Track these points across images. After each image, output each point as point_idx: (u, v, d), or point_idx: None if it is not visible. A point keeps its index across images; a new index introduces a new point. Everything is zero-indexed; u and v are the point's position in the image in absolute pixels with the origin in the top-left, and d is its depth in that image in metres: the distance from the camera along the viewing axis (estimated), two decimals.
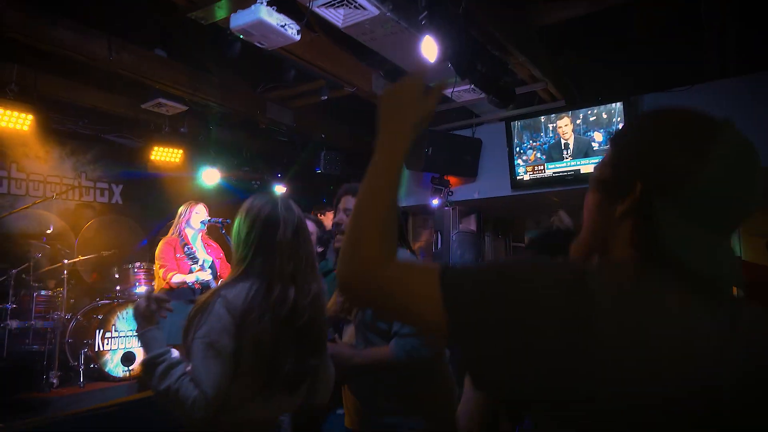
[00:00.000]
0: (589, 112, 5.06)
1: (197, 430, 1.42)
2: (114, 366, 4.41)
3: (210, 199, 5.62)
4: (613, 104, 4.92)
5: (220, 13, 3.43)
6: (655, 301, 0.67)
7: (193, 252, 3.96)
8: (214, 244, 4.26)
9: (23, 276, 4.26)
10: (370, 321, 1.80)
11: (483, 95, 4.55)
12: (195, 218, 4.06)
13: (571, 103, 5.24)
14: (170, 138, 5.76)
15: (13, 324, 4.16)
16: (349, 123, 6.53)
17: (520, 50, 4.12)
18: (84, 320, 4.48)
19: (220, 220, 3.93)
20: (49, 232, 4.68)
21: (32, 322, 4.21)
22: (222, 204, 5.51)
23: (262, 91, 5.48)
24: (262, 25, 3.02)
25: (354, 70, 4.79)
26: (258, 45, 3.33)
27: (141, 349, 1.63)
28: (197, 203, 4.14)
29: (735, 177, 0.69)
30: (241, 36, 3.23)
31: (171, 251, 3.93)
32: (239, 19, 3.05)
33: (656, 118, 0.76)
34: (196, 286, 3.87)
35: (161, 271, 3.86)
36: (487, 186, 5.78)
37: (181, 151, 5.76)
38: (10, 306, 4.11)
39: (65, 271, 4.33)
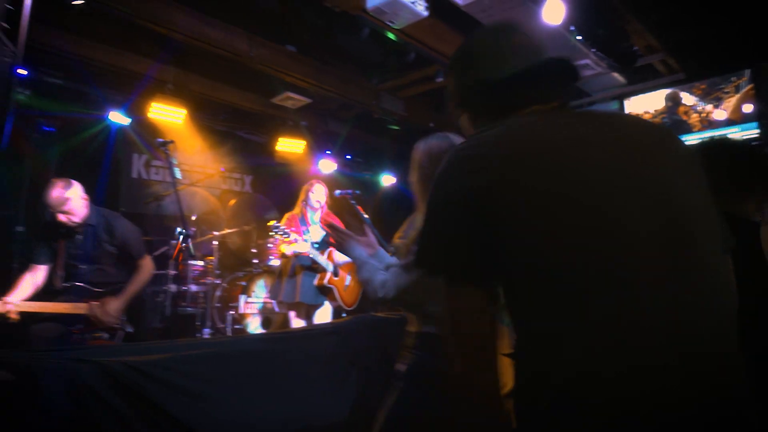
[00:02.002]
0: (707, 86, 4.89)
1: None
2: (254, 328, 4.91)
3: (329, 185, 6.11)
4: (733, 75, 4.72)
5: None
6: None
7: (288, 232, 4.16)
8: (335, 218, 4.61)
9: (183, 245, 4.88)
10: None
11: (598, 69, 4.58)
12: (312, 197, 4.37)
13: (691, 74, 5.09)
14: (293, 131, 6.32)
15: (173, 288, 4.78)
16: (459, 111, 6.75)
17: (637, 17, 4.13)
18: (229, 287, 5.04)
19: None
20: (196, 216, 5.34)
21: (189, 287, 4.82)
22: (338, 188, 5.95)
23: (377, 82, 5.87)
24: (395, 2, 3.33)
25: None
26: (388, 24, 3.66)
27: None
28: (316, 182, 4.47)
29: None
30: (375, 15, 3.56)
31: (288, 225, 4.31)
32: None
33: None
34: (305, 255, 4.16)
35: (277, 246, 4.27)
36: None
37: (304, 143, 6.29)
38: (173, 272, 4.74)
39: (214, 242, 4.91)
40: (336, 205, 4.83)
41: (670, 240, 0.81)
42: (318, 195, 4.37)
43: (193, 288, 4.86)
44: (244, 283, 4.98)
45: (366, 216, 3.99)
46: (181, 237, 2.96)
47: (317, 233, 4.33)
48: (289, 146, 6.23)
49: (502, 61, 1.02)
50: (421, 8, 3.47)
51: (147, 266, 3.48)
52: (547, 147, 0.85)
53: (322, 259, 4.11)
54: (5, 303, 2.94)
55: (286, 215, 4.39)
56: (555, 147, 0.85)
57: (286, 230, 3.98)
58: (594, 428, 0.74)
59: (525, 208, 0.82)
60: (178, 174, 3.79)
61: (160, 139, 3.04)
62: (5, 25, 1.84)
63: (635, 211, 0.81)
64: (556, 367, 0.78)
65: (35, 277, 3.28)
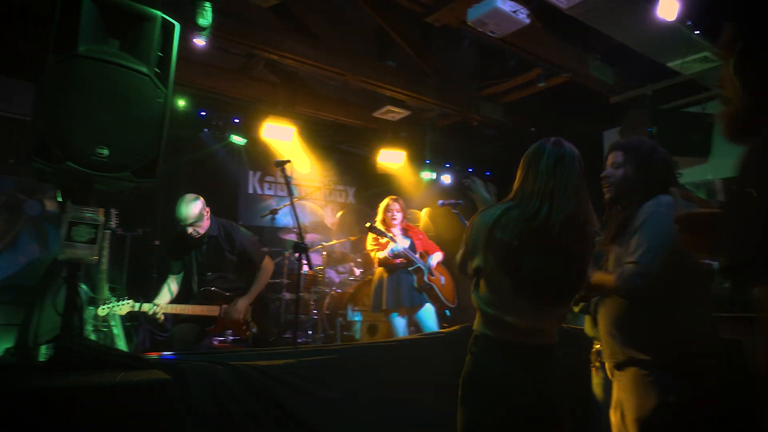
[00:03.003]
0: None
1: None
2: (361, 335, 5.10)
3: (429, 194, 6.22)
4: None
5: (453, 14, 3.88)
6: None
7: (384, 232, 4.34)
8: (414, 228, 4.74)
9: (295, 255, 5.21)
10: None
11: (715, 64, 4.26)
12: (390, 214, 4.48)
13: None
14: (394, 142, 6.49)
15: (287, 296, 5.10)
16: (557, 116, 6.56)
17: None
18: (337, 295, 5.28)
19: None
20: (306, 224, 5.66)
21: (301, 294, 5.12)
22: (437, 197, 6.02)
23: (475, 90, 5.87)
24: (497, 13, 3.36)
25: (570, 55, 4.88)
26: (490, 34, 3.67)
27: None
28: (391, 199, 4.60)
29: None
30: (476, 27, 3.60)
31: (375, 237, 4.49)
32: (476, 12, 3.42)
33: None
34: (400, 261, 4.31)
35: (372, 254, 4.45)
36: (723, 165, 5.27)
37: (404, 153, 6.43)
38: (286, 281, 5.07)
39: (324, 253, 5.18)
40: (437, 215, 4.91)
41: None
42: (395, 211, 4.52)
43: (303, 296, 5.16)
44: (351, 291, 5.19)
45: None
46: (298, 249, 3.18)
47: (401, 241, 4.49)
48: (390, 157, 6.40)
49: None
50: (522, 16, 3.45)
51: (268, 267, 3.86)
52: None
53: (417, 257, 4.24)
54: (155, 306, 3.40)
55: (370, 234, 4.56)
56: None
57: (382, 230, 4.19)
58: None
59: None
60: (294, 191, 4.08)
61: (278, 160, 3.30)
62: (157, 69, 2.12)
63: None
64: None
65: (172, 284, 3.71)
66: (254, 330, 3.72)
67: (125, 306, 3.39)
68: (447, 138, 6.94)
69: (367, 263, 5.47)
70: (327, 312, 5.17)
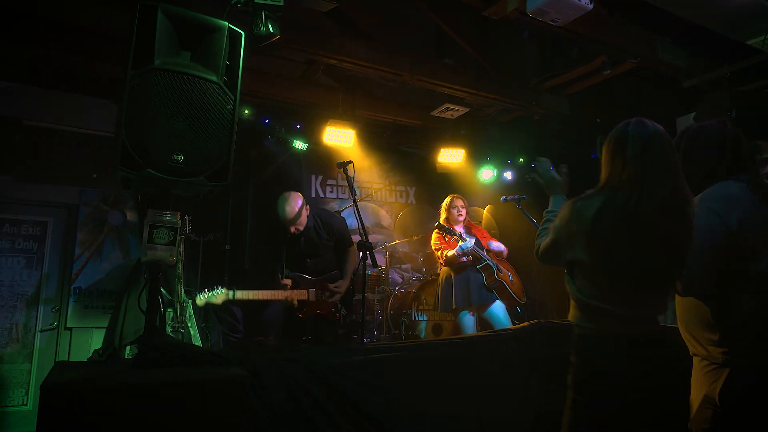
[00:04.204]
0: None
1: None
2: (426, 335, 5.08)
3: (491, 191, 6.12)
4: None
5: (511, 5, 3.79)
6: None
7: (454, 230, 4.37)
8: (477, 226, 4.70)
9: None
10: None
11: None
12: (453, 211, 4.55)
13: None
14: (453, 140, 6.43)
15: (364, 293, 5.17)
16: (625, 104, 6.27)
17: None
18: (400, 295, 5.29)
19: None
20: (368, 225, 5.72)
21: (366, 294, 5.16)
22: (500, 194, 5.92)
23: (537, 83, 5.71)
24: (557, 0, 3.25)
25: (637, 39, 4.65)
26: (551, 23, 3.57)
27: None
28: (453, 197, 4.60)
29: None
30: (536, 16, 3.50)
31: (441, 236, 4.47)
32: (536, 1, 3.33)
33: None
34: (468, 259, 4.27)
35: (438, 252, 4.43)
36: None
37: (463, 151, 6.36)
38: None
39: (387, 253, 5.20)
40: (500, 211, 4.82)
41: None
42: (460, 207, 4.48)
43: (368, 296, 5.20)
44: (414, 291, 5.19)
45: (534, 220, 3.94)
46: (362, 247, 3.25)
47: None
48: (450, 156, 6.35)
49: None
50: (585, 1, 3.33)
51: (354, 251, 4.08)
52: None
53: (485, 254, 4.18)
54: (247, 293, 3.63)
55: (435, 232, 4.55)
56: None
57: (450, 229, 4.20)
58: None
59: None
60: (356, 191, 4.20)
61: (340, 161, 3.36)
62: (225, 78, 2.20)
63: None
64: None
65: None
66: (344, 313, 3.90)
67: (220, 294, 3.58)
68: (509, 133, 6.80)
69: (429, 263, 5.45)
70: (391, 312, 5.19)
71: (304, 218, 3.84)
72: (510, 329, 3.42)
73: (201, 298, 3.62)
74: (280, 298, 3.74)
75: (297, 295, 3.76)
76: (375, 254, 5.47)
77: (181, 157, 2.03)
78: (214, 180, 2.14)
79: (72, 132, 5.27)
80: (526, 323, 3.25)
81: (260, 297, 3.65)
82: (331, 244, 3.98)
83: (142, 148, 1.98)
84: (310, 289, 3.82)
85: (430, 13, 4.79)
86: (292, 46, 4.43)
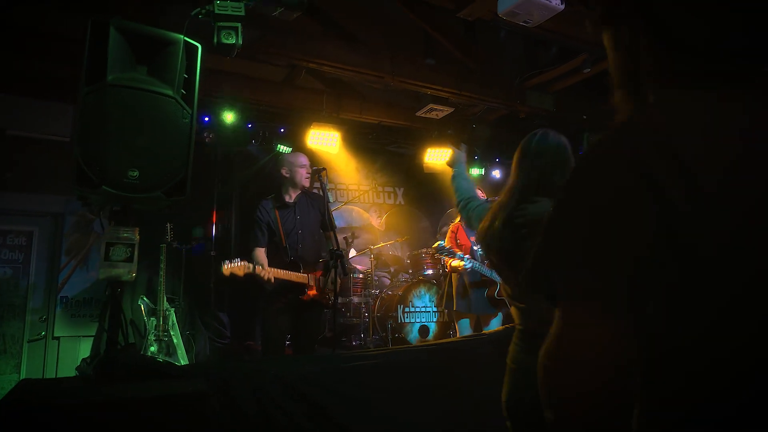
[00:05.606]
0: None
1: None
2: (413, 337, 5.07)
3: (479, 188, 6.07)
4: None
5: (485, 6, 3.77)
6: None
7: (455, 252, 4.25)
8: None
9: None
10: None
11: None
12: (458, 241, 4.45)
13: None
14: (440, 140, 6.41)
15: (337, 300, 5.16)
16: (610, 101, 6.25)
17: None
18: (387, 298, 5.28)
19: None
20: (352, 230, 5.71)
21: (350, 298, 5.16)
22: (489, 193, 5.89)
23: (521, 81, 5.69)
24: (527, 2, 3.23)
25: None
26: (523, 24, 3.54)
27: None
28: (462, 225, 4.52)
29: None
30: (508, 18, 3.48)
31: (452, 237, 4.42)
32: (506, 3, 3.31)
33: None
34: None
35: (446, 261, 4.38)
36: None
37: (450, 151, 6.32)
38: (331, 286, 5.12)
39: (372, 255, 5.20)
40: None
41: None
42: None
43: (355, 300, 5.19)
44: (401, 293, 5.18)
45: None
46: (333, 256, 3.25)
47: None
48: (437, 156, 6.33)
49: None
50: (556, 2, 3.30)
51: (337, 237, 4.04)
52: None
53: (488, 271, 4.13)
54: (264, 269, 3.62)
55: (451, 226, 4.51)
56: None
57: (452, 250, 4.14)
58: None
59: None
60: (330, 197, 4.17)
61: (314, 167, 3.35)
62: (183, 91, 2.20)
63: None
64: None
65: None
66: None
67: (241, 266, 3.53)
68: (495, 132, 6.78)
69: (415, 264, 5.45)
70: (378, 314, 5.19)
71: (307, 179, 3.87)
72: (484, 333, 3.42)
73: (226, 267, 3.58)
74: (293, 279, 3.75)
75: (307, 278, 3.80)
76: (361, 257, 5.47)
77: (137, 173, 2.03)
78: (171, 194, 2.13)
79: (56, 141, 5.26)
80: (501, 327, 3.25)
81: (274, 276, 3.61)
82: (320, 219, 3.89)
83: (97, 166, 1.98)
84: (310, 274, 3.88)
85: (411, 14, 4.76)
86: (272, 50, 4.41)
